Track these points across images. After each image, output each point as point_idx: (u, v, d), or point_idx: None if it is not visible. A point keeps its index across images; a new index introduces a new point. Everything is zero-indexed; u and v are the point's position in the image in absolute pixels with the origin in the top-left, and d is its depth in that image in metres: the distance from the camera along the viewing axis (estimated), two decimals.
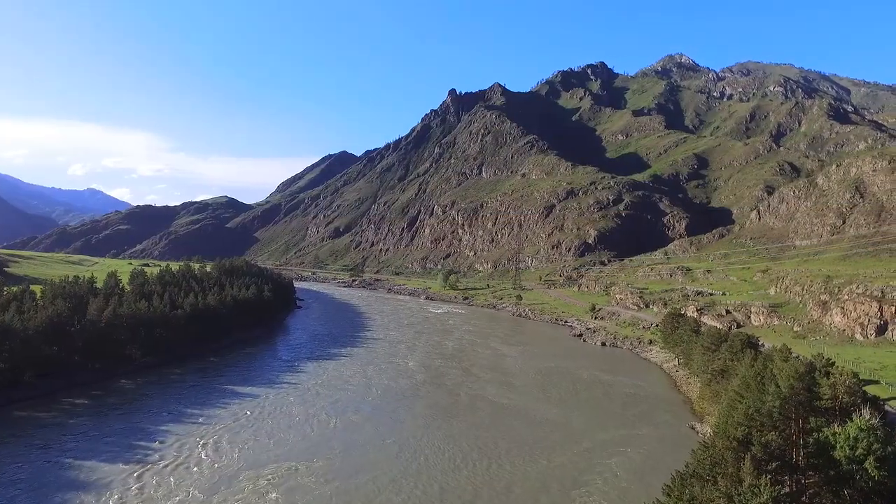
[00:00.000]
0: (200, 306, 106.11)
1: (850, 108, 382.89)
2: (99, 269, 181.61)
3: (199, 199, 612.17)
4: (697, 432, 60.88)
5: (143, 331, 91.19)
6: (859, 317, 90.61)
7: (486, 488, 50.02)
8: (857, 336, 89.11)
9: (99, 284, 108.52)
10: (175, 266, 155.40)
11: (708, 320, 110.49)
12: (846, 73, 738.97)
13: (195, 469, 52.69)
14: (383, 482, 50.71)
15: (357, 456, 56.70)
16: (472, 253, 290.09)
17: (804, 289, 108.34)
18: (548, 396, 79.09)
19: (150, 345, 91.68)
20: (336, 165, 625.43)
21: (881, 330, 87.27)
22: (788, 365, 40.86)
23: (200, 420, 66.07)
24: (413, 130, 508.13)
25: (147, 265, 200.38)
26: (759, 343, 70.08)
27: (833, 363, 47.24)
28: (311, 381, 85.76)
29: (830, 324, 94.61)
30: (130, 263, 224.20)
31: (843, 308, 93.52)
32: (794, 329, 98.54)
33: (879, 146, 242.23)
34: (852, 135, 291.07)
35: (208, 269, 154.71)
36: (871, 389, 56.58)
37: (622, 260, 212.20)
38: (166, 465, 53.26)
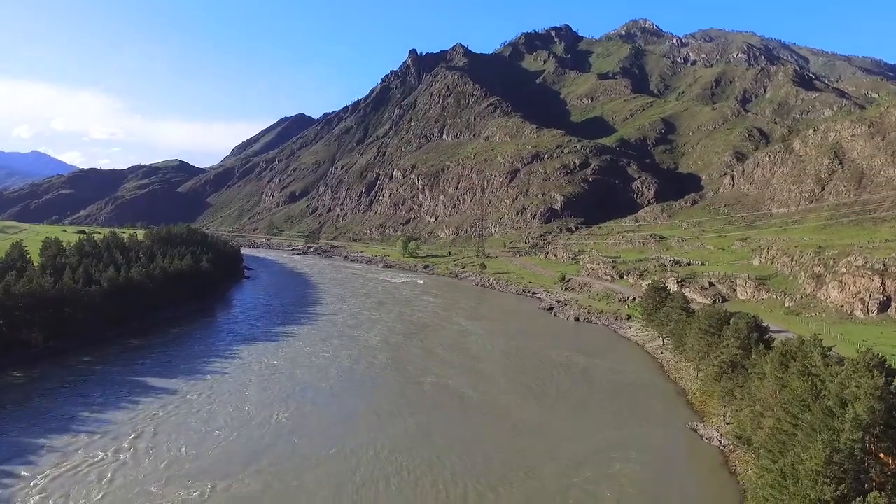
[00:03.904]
0: (121, 280, 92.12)
1: (812, 76, 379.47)
2: (25, 236, 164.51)
3: (149, 162, 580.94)
4: (702, 437, 51.31)
5: (48, 311, 77.54)
6: (859, 291, 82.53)
7: None
8: (857, 313, 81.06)
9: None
10: (99, 234, 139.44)
11: (690, 293, 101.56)
12: (805, 42, 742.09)
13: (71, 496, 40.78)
14: None
15: (292, 471, 45.44)
16: (433, 219, 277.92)
17: (793, 259, 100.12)
18: (521, 386, 68.80)
19: (56, 327, 78.21)
20: (293, 128, 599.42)
21: (884, 306, 79.34)
22: (852, 374, 30.54)
23: (100, 423, 53.77)
24: (372, 92, 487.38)
25: (83, 232, 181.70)
26: (765, 325, 60.73)
27: (886, 362, 37.27)
28: (251, 366, 73.84)
29: (826, 299, 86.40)
30: (65, 230, 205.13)
31: (840, 282, 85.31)
32: (786, 304, 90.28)
33: (846, 113, 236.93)
34: (818, 101, 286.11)
35: (140, 237, 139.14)
36: None
37: (590, 227, 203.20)
38: (42, 490, 41.18)
